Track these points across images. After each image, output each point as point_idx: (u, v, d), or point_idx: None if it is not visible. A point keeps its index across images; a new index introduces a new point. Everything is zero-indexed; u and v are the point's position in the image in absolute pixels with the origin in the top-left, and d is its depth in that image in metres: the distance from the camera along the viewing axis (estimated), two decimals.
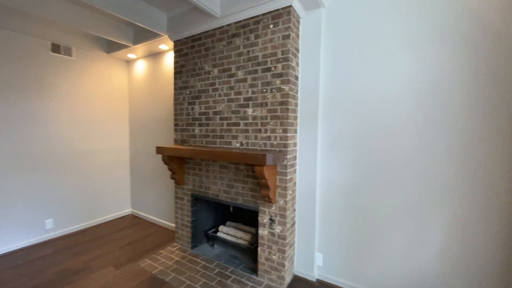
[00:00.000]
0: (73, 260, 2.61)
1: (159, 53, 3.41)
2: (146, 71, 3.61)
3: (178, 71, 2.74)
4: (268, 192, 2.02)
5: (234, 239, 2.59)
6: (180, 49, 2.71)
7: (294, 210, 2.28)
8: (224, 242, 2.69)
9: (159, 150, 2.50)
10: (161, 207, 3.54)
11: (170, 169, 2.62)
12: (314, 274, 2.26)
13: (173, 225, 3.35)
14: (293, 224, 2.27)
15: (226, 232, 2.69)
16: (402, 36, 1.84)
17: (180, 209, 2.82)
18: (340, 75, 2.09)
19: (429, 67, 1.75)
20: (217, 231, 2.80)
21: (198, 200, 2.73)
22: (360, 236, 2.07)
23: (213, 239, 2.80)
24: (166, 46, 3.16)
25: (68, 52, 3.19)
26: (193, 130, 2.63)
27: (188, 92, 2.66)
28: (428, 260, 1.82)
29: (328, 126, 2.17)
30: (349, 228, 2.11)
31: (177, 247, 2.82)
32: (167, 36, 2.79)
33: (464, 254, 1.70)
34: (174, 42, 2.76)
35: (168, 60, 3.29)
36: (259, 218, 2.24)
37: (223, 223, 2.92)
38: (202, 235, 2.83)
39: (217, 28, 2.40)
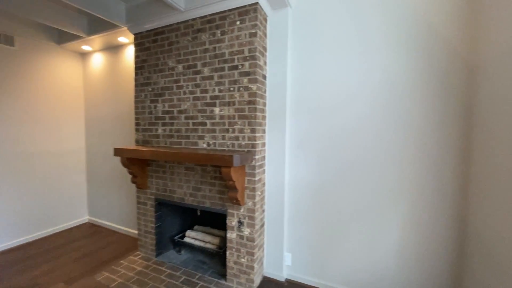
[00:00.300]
0: (17, 277, 2.29)
1: (118, 46, 3.15)
2: (104, 65, 3.31)
3: (139, 66, 2.54)
4: (236, 194, 1.96)
5: (202, 244, 2.48)
6: (141, 42, 2.52)
7: (264, 211, 2.25)
8: (191, 247, 2.57)
9: (118, 151, 2.29)
10: (122, 213, 3.28)
11: (130, 173, 2.42)
12: (283, 274, 2.25)
13: (137, 232, 3.12)
14: (262, 225, 2.23)
15: (194, 237, 2.57)
16: (360, 39, 1.90)
17: (143, 215, 2.62)
18: (306, 76, 2.11)
19: (385, 69, 1.83)
20: (184, 236, 2.66)
21: (162, 205, 2.56)
22: (326, 234, 2.10)
23: (179, 245, 2.65)
24: (126, 39, 2.92)
25: (9, 41, 2.79)
26: (156, 130, 2.46)
27: (150, 89, 2.48)
28: (387, 254, 1.90)
29: (295, 126, 2.17)
30: (316, 226, 2.14)
31: (140, 256, 2.62)
32: (126, 28, 2.57)
33: (419, 247, 1.81)
34: (135, 35, 2.56)
35: (129, 54, 3.05)
36: (227, 221, 2.16)
37: (191, 228, 2.79)
38: (168, 241, 2.67)
39: (182, 22, 2.26)
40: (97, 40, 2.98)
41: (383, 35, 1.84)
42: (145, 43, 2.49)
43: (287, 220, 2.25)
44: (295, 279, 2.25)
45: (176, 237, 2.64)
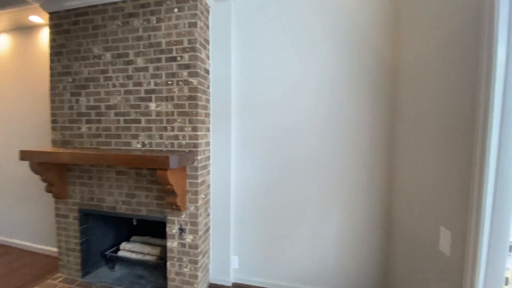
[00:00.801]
0: None
1: (30, 28, 2.60)
2: (13, 49, 2.70)
3: (56, 52, 2.12)
4: (175, 199, 1.77)
5: (140, 256, 2.21)
6: (59, 23, 2.10)
7: (208, 214, 2.11)
8: (128, 261, 2.26)
9: (25, 155, 1.86)
10: (38, 229, 2.72)
11: (44, 180, 2.00)
12: (230, 279, 2.15)
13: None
14: (207, 230, 2.09)
15: (130, 249, 2.27)
16: (303, 39, 1.93)
17: (64, 230, 2.21)
18: (250, 72, 2.05)
19: (325, 69, 1.90)
20: (118, 249, 2.33)
21: (89, 216, 2.19)
22: (273, 233, 2.08)
23: (113, 261, 2.32)
24: (41, 18, 2.43)
25: None
26: (79, 128, 2.09)
27: (70, 80, 2.09)
28: (328, 246, 1.98)
29: (241, 124, 2.09)
30: (263, 226, 2.10)
31: (61, 279, 2.20)
32: (38, 5, 2.12)
33: (355, 238, 1.92)
34: (50, 14, 2.12)
35: (45, 38, 2.54)
36: (167, 229, 1.96)
37: (128, 239, 2.47)
38: (98, 257, 2.30)
39: (110, 4, 1.96)
40: (1, 17, 2.41)
41: (322, 36, 1.89)
42: (63, 25, 2.09)
43: (233, 222, 2.16)
44: (242, 282, 2.18)
45: (108, 252, 2.30)
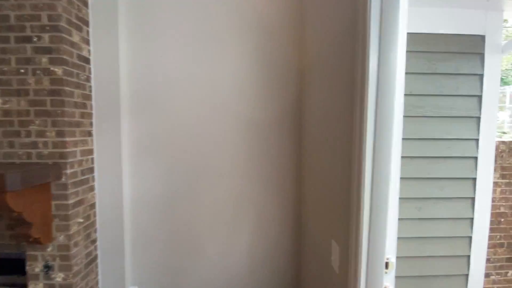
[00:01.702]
0: None
1: None
2: None
3: None
4: (29, 230, 1.30)
5: None
6: None
7: (93, 241, 1.67)
8: None
9: None
10: None
11: None
12: None
13: None
14: (92, 261, 1.66)
15: None
16: (208, 34, 1.70)
17: None
18: (147, 64, 1.71)
19: (234, 68, 1.72)
20: None
21: None
22: (180, 254, 1.80)
23: None
24: None
25: None
26: None
27: None
28: (240, 255, 1.81)
29: (137, 127, 1.73)
30: (168, 248, 1.79)
31: None
32: None
33: (266, 245, 1.81)
34: None
35: None
36: (27, 268, 1.45)
37: None
38: None
39: None
40: None
41: (228, 31, 1.70)
42: None
43: (130, 246, 1.78)
44: None
45: None
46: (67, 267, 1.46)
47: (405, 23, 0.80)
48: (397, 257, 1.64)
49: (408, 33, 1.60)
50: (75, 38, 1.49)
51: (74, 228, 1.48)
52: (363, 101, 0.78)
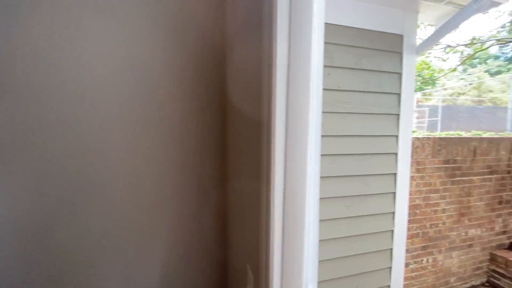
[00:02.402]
0: None
1: None
2: None
3: None
4: None
5: None
6: None
7: None
8: None
9: None
10: None
11: None
12: None
13: None
14: None
15: None
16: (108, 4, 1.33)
17: None
18: (19, 35, 1.23)
19: (140, 50, 1.38)
20: None
21: None
22: None
23: None
24: None
25: None
26: None
27: None
28: (151, 279, 1.51)
29: None
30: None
31: None
32: None
33: (187, 271, 1.55)
34: None
35: None
36: None
37: None
38: None
39: None
40: None
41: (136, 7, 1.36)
42: None
43: None
44: None
45: None
46: None
47: (322, 9, 0.64)
48: (329, 259, 1.60)
49: (338, 25, 1.55)
50: None
51: None
52: (270, 99, 0.59)
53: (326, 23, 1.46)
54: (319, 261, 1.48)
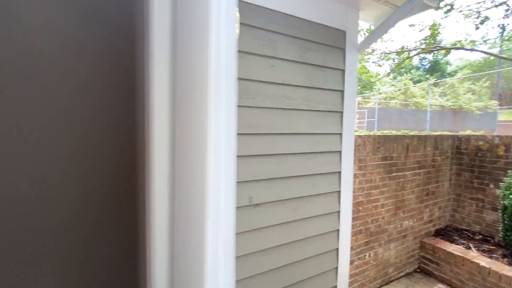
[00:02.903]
0: None
1: None
2: None
3: None
4: None
5: None
6: None
7: None
8: None
9: None
10: None
11: None
12: None
13: None
14: None
15: None
16: None
17: None
18: None
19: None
20: None
21: None
22: None
23: None
24: None
25: None
26: None
27: None
28: None
29: None
30: None
31: None
32: None
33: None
34: None
35: None
36: None
37: None
38: None
39: None
40: None
41: None
42: None
43: None
44: None
45: None
46: None
47: None
48: (274, 269, 1.46)
49: (281, 12, 1.41)
50: None
51: None
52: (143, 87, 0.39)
53: (268, 9, 1.31)
54: (264, 272, 1.34)
